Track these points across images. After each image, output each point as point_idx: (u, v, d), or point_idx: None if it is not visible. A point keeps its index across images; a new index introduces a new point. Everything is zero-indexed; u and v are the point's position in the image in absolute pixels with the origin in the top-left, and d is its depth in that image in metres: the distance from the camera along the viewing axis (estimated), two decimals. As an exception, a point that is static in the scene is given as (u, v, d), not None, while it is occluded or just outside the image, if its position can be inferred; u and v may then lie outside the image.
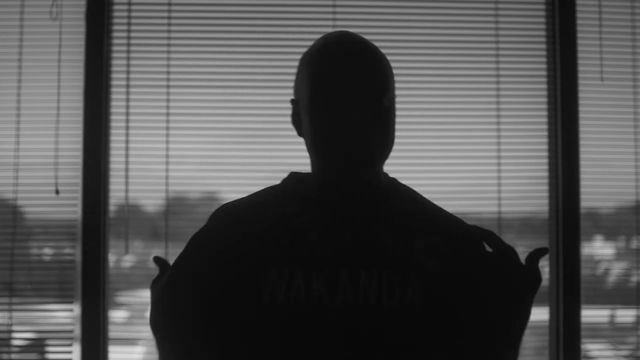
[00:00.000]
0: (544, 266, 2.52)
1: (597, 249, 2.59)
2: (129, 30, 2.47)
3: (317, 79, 1.18)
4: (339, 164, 1.17)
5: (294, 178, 1.28)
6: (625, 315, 2.57)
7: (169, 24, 2.48)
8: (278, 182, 1.28)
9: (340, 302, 1.09)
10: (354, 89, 1.16)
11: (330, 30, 2.48)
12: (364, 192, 1.20)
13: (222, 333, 1.14)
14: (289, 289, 1.10)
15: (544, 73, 2.54)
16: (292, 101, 1.26)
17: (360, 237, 1.15)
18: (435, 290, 1.13)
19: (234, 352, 1.13)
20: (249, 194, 1.25)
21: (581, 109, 2.52)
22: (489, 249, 1.19)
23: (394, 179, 1.30)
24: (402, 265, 1.14)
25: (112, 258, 2.45)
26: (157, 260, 1.26)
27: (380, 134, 1.21)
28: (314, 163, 1.25)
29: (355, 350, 1.09)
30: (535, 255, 1.19)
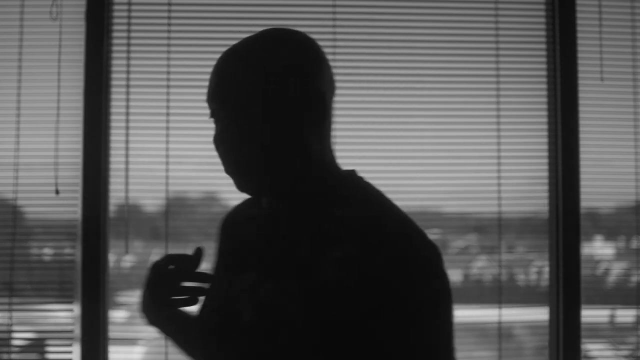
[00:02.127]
0: (544, 266, 2.53)
1: (597, 249, 2.59)
2: (129, 30, 2.47)
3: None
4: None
5: None
6: (625, 315, 2.57)
7: (169, 24, 2.48)
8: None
9: (242, 309, 1.06)
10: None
11: (330, 30, 2.49)
12: (299, 199, 1.10)
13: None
14: (213, 294, 1.18)
15: (544, 73, 2.54)
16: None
17: (270, 242, 1.10)
18: (342, 307, 0.97)
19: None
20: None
21: (581, 109, 2.52)
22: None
23: (352, 178, 1.15)
24: (305, 273, 1.01)
25: (112, 258, 2.45)
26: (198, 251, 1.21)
27: (230, 159, 1.14)
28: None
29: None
30: None
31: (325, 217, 1.05)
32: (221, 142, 1.09)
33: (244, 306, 1.05)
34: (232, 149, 1.07)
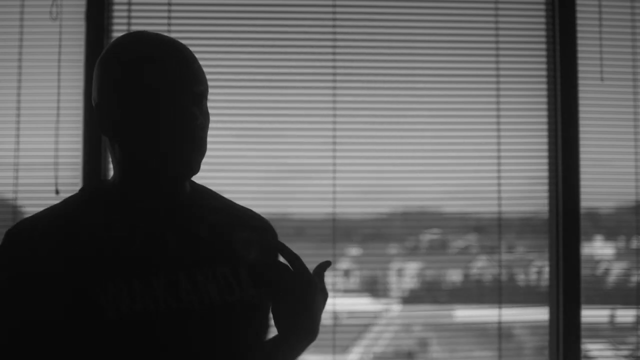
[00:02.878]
0: (544, 266, 2.53)
1: (597, 249, 2.59)
2: (129, 31, 2.47)
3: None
4: (159, 172, 1.15)
5: (95, 188, 1.23)
6: (625, 315, 2.57)
7: (169, 24, 2.48)
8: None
9: (187, 306, 1.07)
10: (183, 90, 1.18)
11: (329, 30, 2.49)
12: (171, 196, 1.18)
13: None
14: (133, 300, 1.04)
15: (544, 73, 2.54)
16: (97, 106, 1.17)
17: (183, 240, 1.13)
18: (260, 283, 1.15)
19: None
20: (45, 208, 1.15)
21: (581, 109, 2.52)
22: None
23: (191, 181, 1.26)
24: (230, 260, 1.15)
25: (112, 258, 2.45)
26: None
27: (198, 145, 1.20)
28: (124, 168, 1.18)
29: (210, 350, 1.08)
30: (322, 268, 1.18)
31: (208, 210, 1.21)
32: (206, 122, 1.17)
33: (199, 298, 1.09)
34: (205, 129, 1.17)
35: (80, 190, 1.20)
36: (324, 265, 1.19)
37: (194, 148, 1.13)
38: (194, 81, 1.13)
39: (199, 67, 1.16)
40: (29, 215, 1.13)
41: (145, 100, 1.09)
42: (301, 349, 1.16)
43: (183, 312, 1.07)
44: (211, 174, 2.41)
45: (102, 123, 1.14)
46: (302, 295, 1.12)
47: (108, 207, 1.14)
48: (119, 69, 1.11)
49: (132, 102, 1.10)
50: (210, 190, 1.28)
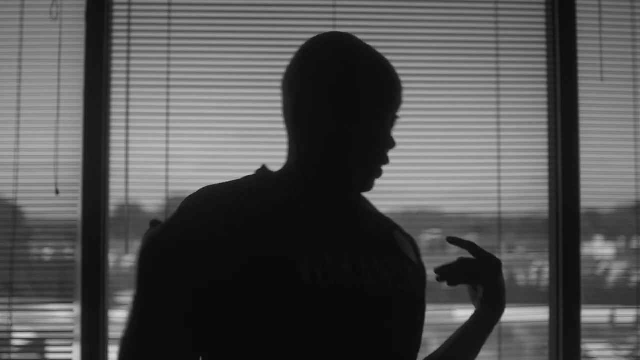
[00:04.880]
0: (544, 266, 2.53)
1: (597, 249, 2.59)
2: (129, 30, 2.47)
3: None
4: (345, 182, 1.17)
5: (268, 173, 1.20)
6: (625, 315, 2.57)
7: (169, 24, 2.48)
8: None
9: (367, 287, 1.07)
10: (396, 109, 1.23)
11: (330, 30, 2.49)
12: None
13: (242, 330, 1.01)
14: (326, 269, 1.03)
15: (544, 73, 2.54)
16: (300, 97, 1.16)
17: (354, 228, 1.14)
18: (418, 280, 1.23)
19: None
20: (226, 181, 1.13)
21: (581, 109, 2.52)
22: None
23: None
24: (399, 255, 1.18)
25: (112, 258, 2.45)
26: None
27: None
28: (306, 164, 1.16)
29: (386, 332, 1.09)
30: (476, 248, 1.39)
31: (366, 210, 1.23)
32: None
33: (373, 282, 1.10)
34: None
35: (257, 170, 1.19)
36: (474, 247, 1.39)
37: (380, 172, 1.17)
38: (398, 106, 1.20)
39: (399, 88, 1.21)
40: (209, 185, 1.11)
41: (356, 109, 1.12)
42: (497, 320, 1.35)
43: (365, 291, 1.07)
44: (211, 174, 2.41)
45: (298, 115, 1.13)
46: (499, 277, 1.36)
47: (290, 187, 1.13)
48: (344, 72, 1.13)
49: (345, 107, 1.12)
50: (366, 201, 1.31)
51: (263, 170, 1.19)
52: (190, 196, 1.07)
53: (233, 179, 1.14)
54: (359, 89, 1.12)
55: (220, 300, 0.99)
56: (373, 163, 1.15)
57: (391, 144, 1.17)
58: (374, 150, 1.14)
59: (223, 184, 1.10)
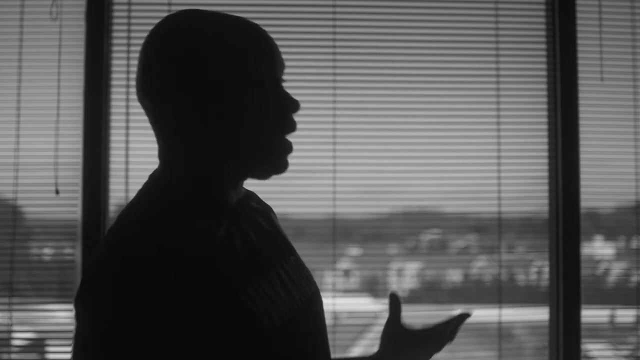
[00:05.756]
0: (544, 266, 2.53)
1: (597, 249, 2.59)
2: (129, 30, 2.47)
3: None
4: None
5: (161, 187, 1.05)
6: (625, 315, 2.57)
7: (169, 24, 2.48)
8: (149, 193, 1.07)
9: (300, 299, 1.06)
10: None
11: (329, 30, 2.49)
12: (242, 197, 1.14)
13: None
14: (273, 303, 0.97)
15: (544, 73, 2.54)
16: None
17: (258, 232, 1.09)
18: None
19: None
20: (136, 223, 0.97)
21: (581, 109, 2.52)
22: None
23: None
24: (289, 248, 1.16)
25: (112, 258, 2.45)
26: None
27: None
28: (199, 165, 1.02)
29: (322, 334, 1.11)
30: (460, 321, 1.33)
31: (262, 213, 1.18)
32: None
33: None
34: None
35: (149, 190, 1.06)
36: (463, 318, 1.30)
37: (290, 146, 1.10)
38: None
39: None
40: (122, 244, 0.94)
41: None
42: None
43: (302, 308, 1.05)
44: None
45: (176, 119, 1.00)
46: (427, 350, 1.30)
47: (194, 211, 0.99)
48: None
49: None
50: None
51: (159, 190, 1.04)
52: (129, 257, 0.90)
53: (143, 214, 0.99)
54: (216, 71, 0.98)
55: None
56: (273, 132, 0.99)
57: (291, 104, 1.01)
58: (268, 116, 0.99)
59: (145, 233, 0.94)
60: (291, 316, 1.00)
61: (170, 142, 1.03)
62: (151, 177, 1.08)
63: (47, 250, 2.49)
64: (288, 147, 1.01)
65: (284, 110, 1.01)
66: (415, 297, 2.55)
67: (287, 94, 1.02)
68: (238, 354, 0.91)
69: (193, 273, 0.90)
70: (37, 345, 2.45)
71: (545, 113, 2.53)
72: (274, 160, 1.00)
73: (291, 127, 1.01)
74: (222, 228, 1.00)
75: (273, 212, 1.24)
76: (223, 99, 0.96)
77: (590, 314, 2.51)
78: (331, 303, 2.45)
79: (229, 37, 1.01)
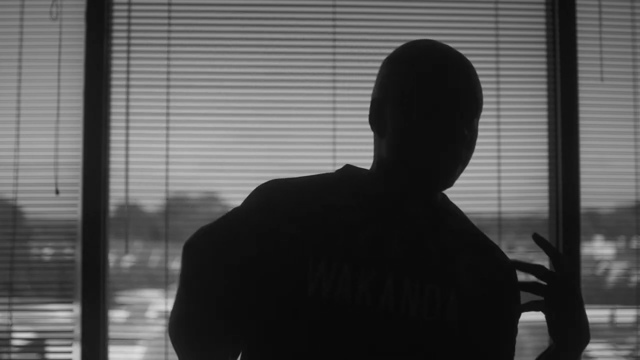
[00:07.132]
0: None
1: (597, 249, 2.59)
2: (129, 30, 2.47)
3: (427, 85, 1.19)
4: (416, 179, 1.17)
5: (350, 171, 1.27)
6: (625, 315, 2.57)
7: (169, 24, 2.48)
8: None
9: (382, 308, 1.05)
10: (460, 106, 1.15)
11: (329, 30, 2.49)
12: (421, 206, 1.18)
13: (252, 317, 1.06)
14: (335, 284, 1.04)
15: (544, 73, 2.54)
16: (375, 101, 1.30)
17: (411, 247, 1.11)
18: (471, 313, 1.12)
19: (257, 341, 1.07)
20: (304, 175, 1.20)
21: (581, 109, 2.52)
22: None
23: (444, 195, 1.27)
24: (445, 281, 1.11)
25: (112, 258, 2.45)
26: None
27: (461, 162, 1.19)
28: (384, 163, 1.25)
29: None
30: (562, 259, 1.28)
31: (449, 231, 1.18)
32: (470, 146, 1.18)
33: (393, 301, 1.07)
34: (470, 151, 1.19)
35: (337, 171, 1.26)
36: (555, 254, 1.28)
37: (456, 170, 1.17)
38: (461, 105, 1.17)
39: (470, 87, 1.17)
40: (285, 178, 1.19)
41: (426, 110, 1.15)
42: (577, 355, 1.27)
43: (373, 311, 1.05)
44: (211, 174, 2.41)
45: (375, 118, 1.27)
46: (571, 308, 1.31)
47: (357, 196, 1.18)
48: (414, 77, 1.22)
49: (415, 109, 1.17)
50: (456, 208, 1.28)
51: (345, 169, 1.27)
52: (260, 186, 1.15)
53: (313, 174, 1.20)
54: (425, 95, 1.18)
55: (256, 279, 1.05)
56: (442, 158, 1.15)
57: (459, 138, 1.14)
58: (439, 145, 1.14)
59: (291, 178, 1.18)
60: (348, 309, 1.04)
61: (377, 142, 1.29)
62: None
63: (47, 250, 2.49)
64: (454, 171, 1.21)
65: (449, 141, 1.19)
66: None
67: (459, 130, 1.17)
68: (277, 302, 1.05)
69: (295, 213, 1.09)
70: (37, 345, 2.45)
71: (545, 113, 2.53)
72: (441, 176, 1.19)
73: (457, 156, 1.19)
74: (358, 215, 1.11)
75: (495, 256, 1.22)
76: (427, 119, 1.20)
77: (590, 314, 2.50)
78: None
79: (441, 78, 1.25)
